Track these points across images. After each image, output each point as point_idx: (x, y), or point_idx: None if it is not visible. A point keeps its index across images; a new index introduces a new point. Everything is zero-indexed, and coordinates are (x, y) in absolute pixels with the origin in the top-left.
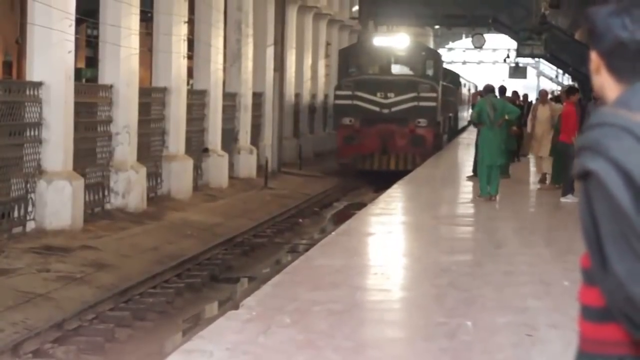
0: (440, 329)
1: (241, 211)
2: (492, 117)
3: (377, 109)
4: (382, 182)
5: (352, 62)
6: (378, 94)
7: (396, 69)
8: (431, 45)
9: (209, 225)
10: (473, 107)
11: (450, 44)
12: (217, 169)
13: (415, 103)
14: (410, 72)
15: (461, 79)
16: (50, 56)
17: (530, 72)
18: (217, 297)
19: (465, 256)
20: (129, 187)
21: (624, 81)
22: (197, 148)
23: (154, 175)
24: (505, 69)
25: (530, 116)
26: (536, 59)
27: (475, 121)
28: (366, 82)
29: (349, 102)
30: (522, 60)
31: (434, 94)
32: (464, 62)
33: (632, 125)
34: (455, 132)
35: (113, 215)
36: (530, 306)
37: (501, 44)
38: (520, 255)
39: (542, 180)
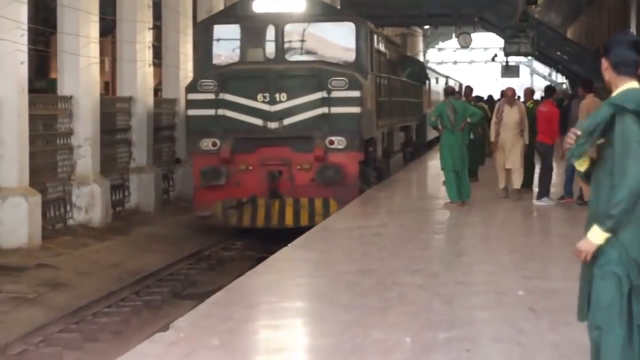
0: (375, 346)
1: None
2: (452, 120)
3: (258, 121)
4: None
5: (218, 44)
6: (260, 97)
7: (293, 52)
8: (420, 47)
9: (176, 238)
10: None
11: (440, 44)
12: (190, 180)
13: (324, 109)
14: (316, 58)
15: (429, 72)
16: (2, 68)
17: (524, 70)
18: (178, 314)
19: (421, 266)
20: (92, 201)
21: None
22: (168, 159)
23: (120, 188)
24: (497, 69)
25: (494, 119)
26: (529, 58)
27: (434, 126)
28: (239, 77)
29: (210, 111)
30: (515, 59)
31: (356, 93)
32: (455, 62)
33: None
34: (420, 147)
35: (75, 231)
36: (477, 319)
37: (492, 42)
38: (480, 263)
39: (505, 195)
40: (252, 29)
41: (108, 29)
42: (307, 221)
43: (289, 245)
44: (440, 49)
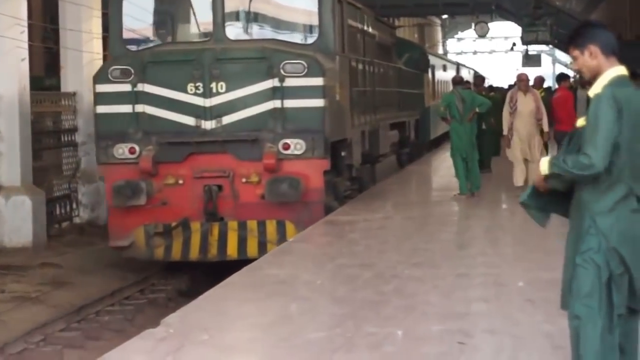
0: (366, 339)
1: None
2: (461, 110)
3: (190, 120)
4: None
5: (135, 18)
6: (191, 87)
7: (235, 28)
8: (438, 37)
9: None
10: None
11: (460, 34)
12: None
13: (276, 102)
14: (266, 35)
15: (433, 58)
16: (2, 65)
17: (546, 59)
18: None
19: (423, 259)
20: (98, 198)
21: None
22: None
23: None
24: (519, 58)
25: (506, 109)
26: (550, 46)
27: (442, 116)
28: (163, 61)
29: (125, 108)
30: (536, 48)
31: (318, 80)
32: (475, 52)
33: None
34: (421, 147)
35: (82, 229)
36: (473, 311)
37: (513, 32)
38: (483, 255)
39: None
40: None
41: None
42: (255, 251)
43: (290, 239)
44: (459, 39)
